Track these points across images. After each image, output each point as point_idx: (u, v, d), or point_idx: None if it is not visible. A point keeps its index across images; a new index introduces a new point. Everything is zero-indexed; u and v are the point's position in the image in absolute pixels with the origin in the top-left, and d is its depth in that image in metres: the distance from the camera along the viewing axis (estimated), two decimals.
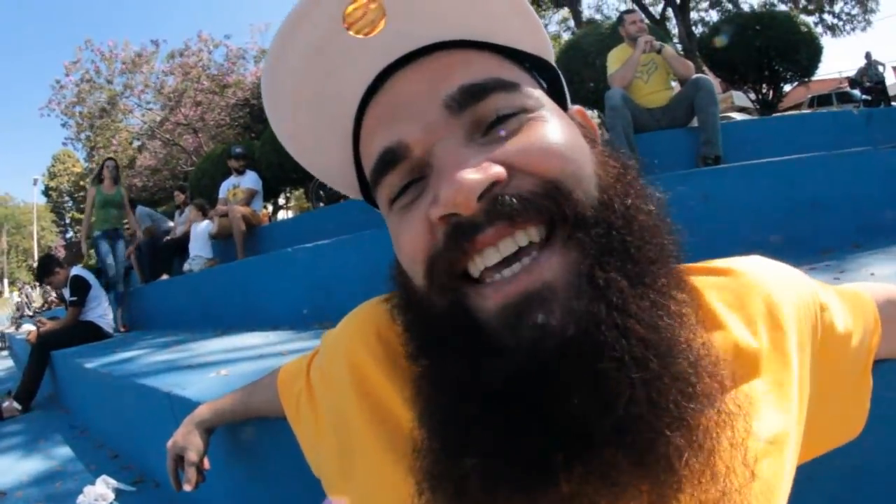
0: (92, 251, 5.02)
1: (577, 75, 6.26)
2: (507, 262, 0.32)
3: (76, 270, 3.65)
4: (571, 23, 16.38)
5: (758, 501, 0.33)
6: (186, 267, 4.35)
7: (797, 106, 14.61)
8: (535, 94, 0.38)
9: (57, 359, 3.05)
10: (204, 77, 12.78)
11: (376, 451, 0.41)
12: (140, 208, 5.87)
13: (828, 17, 14.38)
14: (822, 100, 14.34)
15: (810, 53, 6.70)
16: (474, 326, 0.33)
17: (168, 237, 5.27)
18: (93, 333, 3.45)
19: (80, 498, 1.45)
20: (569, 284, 0.31)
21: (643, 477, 0.29)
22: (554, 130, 0.35)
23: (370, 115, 0.39)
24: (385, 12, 0.35)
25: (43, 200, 38.92)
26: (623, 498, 0.30)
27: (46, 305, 10.16)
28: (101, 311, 3.61)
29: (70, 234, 38.71)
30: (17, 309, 13.53)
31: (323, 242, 2.64)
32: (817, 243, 1.75)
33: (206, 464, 0.85)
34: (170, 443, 0.84)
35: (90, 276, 3.67)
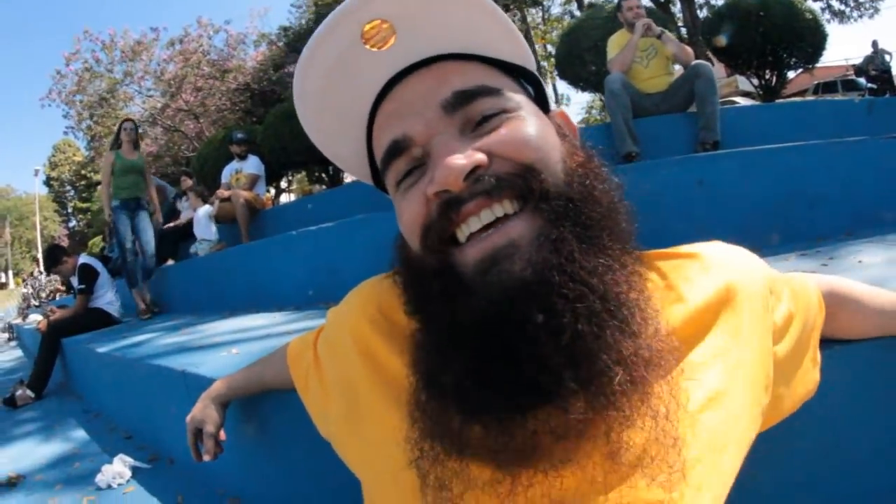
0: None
1: (578, 58, 6.23)
2: (486, 228, 0.40)
3: (84, 258, 3.70)
4: (574, 6, 16.20)
5: (702, 445, 0.39)
6: (193, 250, 4.39)
7: (802, 92, 14.46)
8: (516, 97, 0.46)
9: (68, 346, 3.11)
10: (204, 62, 12.71)
11: (381, 407, 0.48)
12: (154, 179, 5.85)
13: (835, 3, 14.16)
14: (827, 87, 14.18)
15: (815, 41, 6.62)
16: (457, 278, 0.41)
17: (172, 223, 5.30)
18: (102, 320, 3.51)
19: (99, 476, 1.51)
20: (531, 241, 0.38)
21: (590, 399, 0.35)
22: (528, 126, 0.43)
23: (381, 114, 0.47)
24: (395, 31, 0.44)
25: (45, 191, 38.95)
26: (577, 426, 0.36)
27: (52, 295, 10.24)
28: (110, 297, 3.66)
29: (73, 224, 38.78)
30: (24, 299, 13.64)
31: (326, 225, 2.68)
32: (811, 230, 1.78)
33: (223, 435, 0.90)
34: (188, 417, 0.90)
35: (98, 264, 3.72)
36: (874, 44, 10.50)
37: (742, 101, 11.60)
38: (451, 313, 0.39)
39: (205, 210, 4.48)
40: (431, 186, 0.41)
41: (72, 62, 12.57)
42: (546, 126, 0.46)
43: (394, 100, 0.46)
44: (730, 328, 0.46)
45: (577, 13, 13.58)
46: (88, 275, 3.55)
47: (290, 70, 11.09)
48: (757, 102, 7.90)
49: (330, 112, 0.48)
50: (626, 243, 0.43)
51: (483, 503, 0.38)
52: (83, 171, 33.06)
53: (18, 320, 9.39)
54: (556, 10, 18.31)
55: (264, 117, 7.92)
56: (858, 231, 1.73)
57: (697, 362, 0.43)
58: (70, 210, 39.43)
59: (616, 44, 3.42)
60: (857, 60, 11.64)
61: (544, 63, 16.13)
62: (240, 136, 4.98)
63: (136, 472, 1.55)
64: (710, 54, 7.63)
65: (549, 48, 16.25)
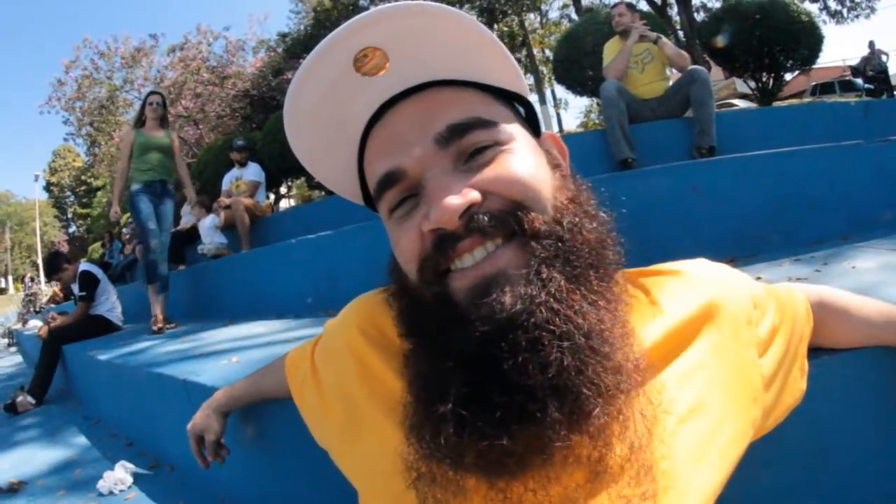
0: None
1: (575, 63, 6.25)
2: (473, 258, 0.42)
3: (84, 265, 3.71)
4: (572, 10, 16.25)
5: (681, 458, 0.41)
6: (200, 250, 4.39)
7: (799, 94, 14.48)
8: (509, 128, 0.46)
9: (69, 352, 3.11)
10: (204, 69, 12.75)
11: (377, 416, 0.50)
12: None
13: (831, 3, 14.20)
14: (824, 88, 14.21)
15: (811, 42, 6.65)
16: (451, 307, 0.42)
17: (176, 228, 5.31)
18: (103, 327, 3.51)
19: (101, 482, 1.52)
20: (519, 274, 0.40)
21: (572, 427, 0.37)
22: (521, 161, 0.44)
23: (373, 140, 0.48)
24: (388, 58, 0.44)
25: (44, 196, 38.99)
26: (561, 449, 0.38)
27: (54, 301, 10.26)
28: (110, 304, 3.67)
29: (73, 229, 38.78)
30: (24, 305, 13.63)
31: (325, 233, 2.70)
32: (806, 235, 1.79)
33: (223, 444, 0.92)
34: (189, 426, 0.92)
35: (98, 271, 3.73)
36: (871, 44, 10.54)
37: (740, 104, 11.64)
38: (445, 342, 0.41)
39: (210, 220, 4.49)
40: (427, 223, 0.42)
41: (71, 69, 12.62)
42: (538, 158, 0.47)
43: (386, 126, 0.47)
44: (711, 343, 0.48)
45: (575, 18, 13.63)
46: (89, 282, 3.56)
47: (289, 76, 11.13)
48: (754, 105, 7.93)
49: (320, 135, 0.49)
50: (613, 275, 0.45)
51: None
52: (83, 177, 33.10)
53: (18, 326, 9.39)
54: (553, 14, 18.42)
55: (264, 123, 7.96)
56: (855, 235, 1.73)
57: (678, 376, 0.45)
58: (70, 215, 39.46)
59: (611, 50, 3.44)
60: (854, 61, 11.67)
61: (542, 67, 16.19)
62: (240, 143, 4.99)
63: (137, 478, 1.56)
64: (707, 57, 7.67)
65: (548, 52, 16.30)
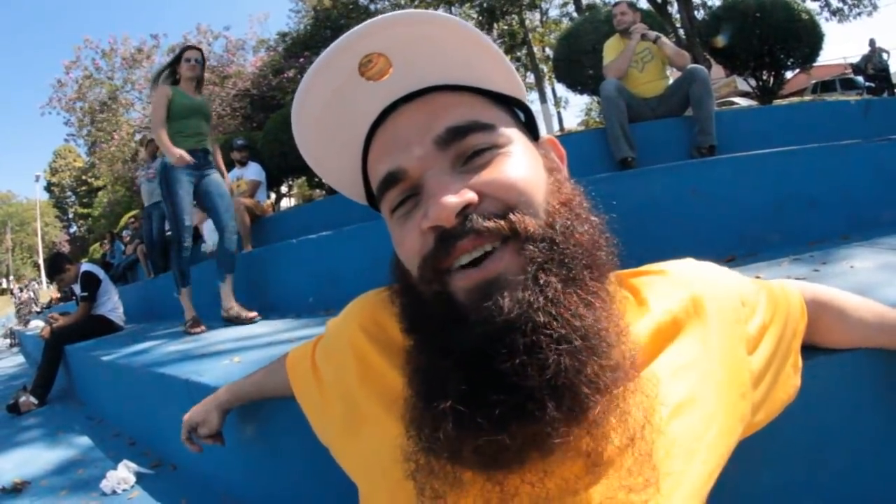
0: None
1: (576, 62, 6.25)
2: (475, 261, 0.44)
3: (86, 266, 3.73)
4: (572, 8, 16.24)
5: (673, 451, 0.42)
6: (204, 248, 4.39)
7: (800, 92, 14.48)
8: (507, 132, 0.48)
9: (71, 353, 3.12)
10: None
11: (378, 412, 0.51)
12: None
13: (833, 1, 14.16)
14: (825, 86, 14.19)
15: (812, 41, 6.65)
16: (451, 305, 0.44)
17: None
18: (104, 327, 3.53)
19: (104, 482, 1.53)
20: (517, 279, 0.42)
21: (571, 425, 0.38)
22: (516, 165, 0.46)
23: (377, 142, 0.50)
24: (391, 64, 0.46)
25: (45, 196, 39.04)
26: (559, 445, 0.39)
27: (55, 301, 10.29)
28: (112, 305, 3.68)
29: (73, 229, 38.84)
30: (25, 305, 13.66)
31: (327, 233, 2.71)
32: (806, 234, 1.79)
33: (221, 439, 0.95)
34: (186, 416, 0.94)
35: (100, 272, 3.75)
36: (871, 42, 10.53)
37: (741, 102, 11.64)
38: (445, 340, 0.42)
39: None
40: (426, 221, 0.43)
41: (72, 70, 12.63)
42: (534, 162, 0.48)
43: (389, 129, 0.49)
44: (698, 338, 0.49)
45: (576, 16, 13.62)
46: (91, 282, 3.58)
47: (289, 75, 11.13)
48: (755, 103, 7.92)
49: (326, 138, 0.51)
50: (607, 276, 0.46)
51: None
52: (84, 177, 33.13)
53: (20, 326, 9.42)
54: (554, 12, 18.38)
55: (264, 123, 7.96)
56: (854, 234, 1.73)
57: (670, 370, 0.46)
58: (71, 216, 39.51)
59: (611, 49, 3.44)
60: (855, 59, 11.66)
61: (543, 66, 16.17)
62: (240, 142, 5.00)
63: (140, 477, 1.57)
64: (707, 56, 7.66)
65: (548, 51, 16.28)
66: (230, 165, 5.08)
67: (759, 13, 6.34)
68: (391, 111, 0.49)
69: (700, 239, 1.77)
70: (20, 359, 6.19)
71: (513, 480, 0.40)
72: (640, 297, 0.52)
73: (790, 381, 0.59)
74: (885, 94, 9.23)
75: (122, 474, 1.54)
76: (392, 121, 0.49)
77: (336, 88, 0.47)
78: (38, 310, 11.44)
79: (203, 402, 0.96)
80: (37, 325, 6.32)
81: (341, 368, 0.58)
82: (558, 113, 19.40)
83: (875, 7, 14.17)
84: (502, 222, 0.43)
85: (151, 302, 4.58)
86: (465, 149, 0.45)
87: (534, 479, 0.40)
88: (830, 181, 1.91)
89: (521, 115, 0.53)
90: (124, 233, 8.72)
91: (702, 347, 0.49)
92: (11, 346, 8.35)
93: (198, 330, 2.57)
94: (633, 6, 3.54)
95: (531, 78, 15.98)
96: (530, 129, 0.53)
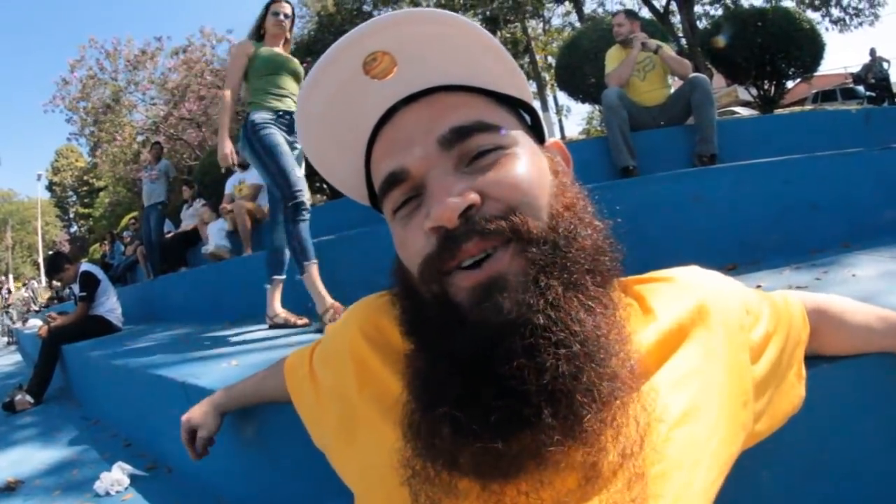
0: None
1: (578, 70, 6.28)
2: (477, 263, 0.43)
3: (85, 266, 3.72)
4: (574, 17, 16.33)
5: (673, 462, 0.41)
6: (205, 250, 4.40)
7: (800, 101, 14.52)
8: (512, 133, 0.47)
9: (68, 352, 3.12)
10: (207, 72, 12.78)
11: (375, 418, 0.50)
12: (163, 161, 5.85)
13: (834, 11, 14.22)
14: (826, 95, 14.24)
15: (812, 50, 6.69)
16: (452, 308, 0.43)
17: (177, 231, 5.32)
18: (102, 328, 3.52)
19: (97, 483, 1.51)
20: (519, 282, 0.41)
21: (566, 434, 0.38)
22: (521, 166, 0.45)
23: (380, 142, 0.49)
24: (396, 63, 0.46)
25: (47, 195, 39.10)
26: (554, 454, 0.38)
27: (55, 301, 10.27)
28: (110, 305, 3.68)
29: (74, 229, 38.88)
30: (24, 304, 13.65)
31: (327, 238, 2.70)
32: (807, 243, 1.79)
33: (213, 442, 0.94)
34: (185, 417, 0.93)
35: (99, 272, 3.74)
36: (872, 52, 10.57)
37: (741, 112, 11.67)
38: (445, 343, 0.42)
39: (220, 224, 4.51)
40: (428, 222, 0.43)
41: (76, 69, 12.66)
42: (539, 164, 0.47)
43: (393, 128, 0.48)
44: (702, 346, 0.48)
45: (578, 25, 13.69)
46: (90, 282, 3.57)
47: None
48: (756, 112, 7.95)
49: (330, 137, 0.50)
50: (610, 281, 0.45)
51: None
52: (85, 177, 33.21)
53: (18, 324, 9.41)
54: (556, 21, 18.49)
55: None
56: (856, 242, 1.73)
57: (671, 380, 0.45)
58: (72, 215, 39.56)
59: (613, 58, 3.46)
60: (856, 68, 11.71)
61: (545, 74, 16.24)
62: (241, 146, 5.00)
63: (134, 479, 1.55)
64: (709, 65, 7.70)
65: (550, 59, 16.35)
66: (231, 169, 5.09)
67: (761, 22, 6.39)
68: (395, 111, 0.48)
69: (701, 247, 1.77)
70: (17, 357, 6.17)
71: (509, 490, 0.39)
72: (645, 304, 0.51)
73: (794, 391, 0.58)
74: (886, 104, 9.26)
75: (116, 476, 1.53)
76: (396, 120, 0.48)
77: (340, 86, 0.46)
78: (37, 308, 11.43)
79: (202, 404, 0.95)
80: (35, 323, 6.30)
81: (339, 373, 0.57)
82: (560, 121, 19.47)
83: (876, 17, 14.25)
84: (504, 223, 0.42)
85: (150, 303, 4.57)
86: (469, 149, 0.45)
87: (529, 490, 0.39)
88: (832, 189, 1.92)
89: (527, 118, 0.53)
90: (125, 233, 8.72)
91: (706, 355, 0.48)
92: (9, 343, 8.32)
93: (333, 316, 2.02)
94: (631, 16, 3.55)
95: (533, 86, 16.04)
96: (536, 131, 0.52)
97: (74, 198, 38.62)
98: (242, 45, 2.36)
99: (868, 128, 3.66)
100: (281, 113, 2.25)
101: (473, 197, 0.42)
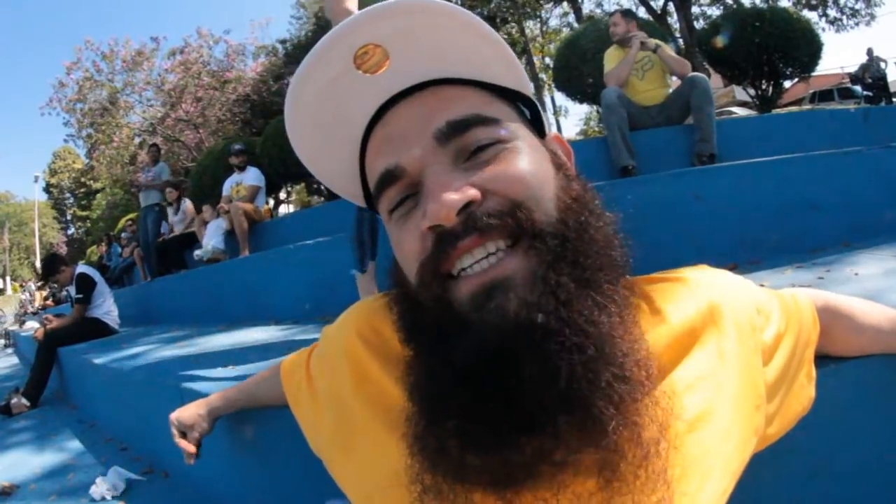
0: None
1: (576, 70, 6.28)
2: (478, 262, 0.40)
3: (81, 268, 3.71)
4: (572, 18, 16.34)
5: (688, 467, 0.40)
6: (197, 254, 4.37)
7: (798, 101, 14.56)
8: (512, 127, 0.45)
9: (64, 355, 3.10)
10: (204, 73, 12.78)
11: (373, 425, 0.48)
12: (160, 164, 5.83)
13: (831, 11, 14.25)
14: (823, 95, 14.28)
15: (810, 49, 6.70)
16: (452, 313, 0.40)
17: (171, 234, 5.31)
18: (99, 330, 3.50)
19: (93, 488, 1.50)
20: (526, 281, 0.38)
21: (583, 440, 0.36)
22: (523, 160, 0.43)
23: (374, 139, 0.47)
24: (388, 56, 0.43)
25: (44, 197, 38.97)
26: (571, 460, 0.37)
27: (51, 303, 10.22)
28: (107, 307, 3.66)
29: (71, 231, 38.77)
30: (21, 306, 13.60)
31: (324, 239, 2.69)
32: (808, 242, 1.78)
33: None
34: (174, 416, 0.91)
35: (95, 274, 3.73)
36: (869, 52, 10.61)
37: (739, 111, 11.69)
38: (446, 350, 0.39)
39: (217, 224, 4.49)
40: (424, 221, 0.41)
41: (73, 71, 12.64)
42: (541, 157, 0.45)
43: (387, 125, 0.46)
44: (715, 348, 0.46)
45: (576, 25, 13.70)
46: (86, 284, 3.55)
47: (289, 81, 11.17)
48: (754, 112, 7.96)
49: (321, 134, 0.48)
50: (621, 277, 0.43)
51: None
52: (83, 179, 33.10)
53: (15, 327, 9.37)
54: (554, 22, 18.48)
55: (264, 128, 7.97)
56: (856, 241, 1.73)
57: (683, 384, 0.44)
58: (69, 217, 39.43)
59: (611, 58, 3.45)
60: (853, 68, 11.75)
61: (542, 75, 16.26)
62: (237, 147, 5.00)
63: (130, 484, 1.54)
64: (706, 65, 7.71)
65: (548, 60, 16.37)
66: (230, 170, 5.09)
67: (759, 22, 6.39)
68: (389, 106, 0.46)
69: (701, 246, 1.76)
70: (14, 360, 6.13)
71: (524, 498, 0.37)
72: (654, 305, 0.49)
73: (804, 392, 0.57)
74: (883, 103, 9.28)
75: (112, 480, 1.51)
76: (390, 116, 0.46)
77: (331, 81, 0.44)
78: (34, 311, 11.38)
79: (195, 405, 0.93)
80: (32, 325, 6.27)
81: (336, 377, 0.55)
82: (557, 122, 19.48)
83: (872, 17, 14.27)
84: (509, 219, 0.40)
85: (147, 305, 4.56)
86: (467, 144, 0.42)
87: (547, 495, 0.37)
88: (832, 188, 1.91)
89: (527, 112, 0.50)
90: (122, 235, 8.69)
91: (718, 358, 0.46)
92: (6, 346, 8.29)
93: None
94: (628, 16, 3.54)
95: (531, 87, 16.06)
96: (536, 125, 0.50)
97: (72, 199, 38.50)
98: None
99: (867, 127, 3.66)
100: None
101: (473, 193, 0.40)
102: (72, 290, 3.64)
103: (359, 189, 0.52)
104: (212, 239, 4.38)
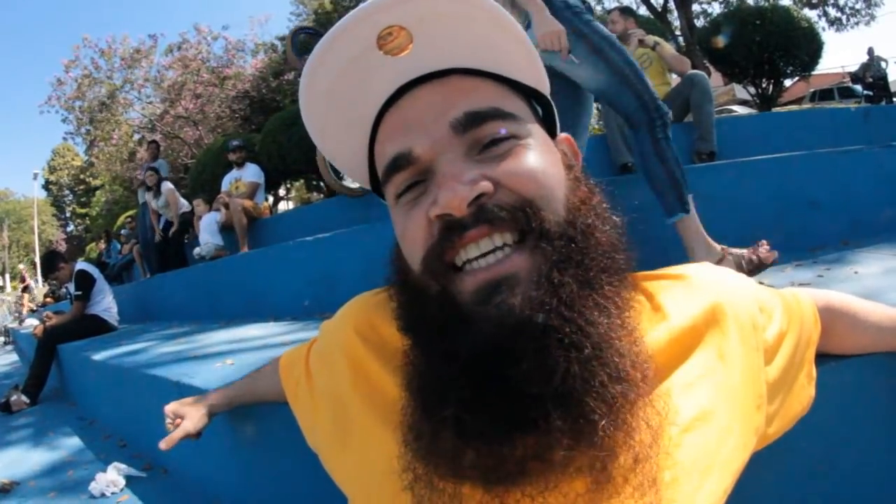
0: None
1: None
2: (483, 256, 0.40)
3: (80, 265, 3.70)
4: None
5: (685, 468, 0.40)
6: (197, 252, 4.37)
7: (798, 100, 14.53)
8: (527, 124, 0.45)
9: (64, 352, 3.10)
10: (203, 69, 12.74)
11: (370, 421, 0.48)
12: (159, 161, 5.84)
13: (831, 11, 14.22)
14: (823, 94, 14.26)
15: (811, 48, 6.69)
16: (454, 306, 0.41)
17: (170, 230, 5.30)
18: (98, 327, 3.50)
19: (93, 484, 1.50)
20: (530, 279, 0.39)
21: (575, 438, 0.36)
22: (536, 158, 0.43)
23: (387, 122, 0.47)
24: (412, 39, 0.43)
25: (43, 195, 38.88)
26: (562, 458, 0.37)
27: (50, 300, 10.21)
28: (106, 304, 3.66)
29: (70, 228, 38.72)
30: (17, 302, 13.58)
31: (323, 236, 2.69)
32: (808, 240, 1.78)
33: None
34: (170, 408, 0.91)
35: (95, 271, 3.72)
36: (870, 51, 10.59)
37: (739, 110, 11.67)
38: (447, 343, 0.39)
39: (211, 217, 4.47)
40: (434, 208, 0.40)
41: (71, 69, 12.61)
42: (553, 157, 0.46)
43: (402, 109, 0.45)
44: (716, 348, 0.46)
45: None
46: (85, 281, 3.55)
47: (289, 78, 11.13)
48: (754, 111, 7.95)
49: (335, 112, 0.47)
50: (623, 279, 0.44)
51: None
52: (82, 176, 33.04)
53: (14, 324, 9.36)
54: None
55: (263, 125, 7.95)
56: (856, 240, 1.73)
57: (683, 383, 0.44)
58: (68, 215, 39.35)
59: None
60: (853, 68, 11.73)
61: None
62: (235, 143, 4.99)
63: (130, 480, 1.54)
64: (707, 63, 7.69)
65: None
66: (229, 167, 5.08)
67: (759, 21, 6.38)
68: (406, 90, 0.45)
69: None
70: (14, 357, 6.13)
71: (513, 495, 0.38)
72: (655, 302, 0.49)
73: (804, 392, 0.57)
74: (884, 103, 9.28)
75: (112, 477, 1.51)
76: (406, 101, 0.45)
77: (351, 59, 0.43)
78: (34, 308, 11.36)
79: (195, 399, 0.94)
80: (32, 322, 6.27)
81: (334, 374, 0.55)
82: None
83: (873, 17, 14.25)
84: (519, 213, 0.40)
85: (146, 302, 4.55)
86: (483, 136, 0.42)
87: (534, 493, 0.37)
88: (832, 187, 1.92)
89: (540, 111, 0.51)
90: (122, 232, 8.68)
91: (719, 358, 0.46)
92: (5, 343, 8.28)
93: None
94: (626, 13, 3.54)
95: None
96: (549, 124, 0.50)
97: (71, 197, 38.41)
98: None
99: (867, 126, 3.66)
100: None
101: (486, 185, 0.40)
102: (71, 287, 3.63)
103: (364, 168, 0.52)
104: (208, 235, 4.37)
